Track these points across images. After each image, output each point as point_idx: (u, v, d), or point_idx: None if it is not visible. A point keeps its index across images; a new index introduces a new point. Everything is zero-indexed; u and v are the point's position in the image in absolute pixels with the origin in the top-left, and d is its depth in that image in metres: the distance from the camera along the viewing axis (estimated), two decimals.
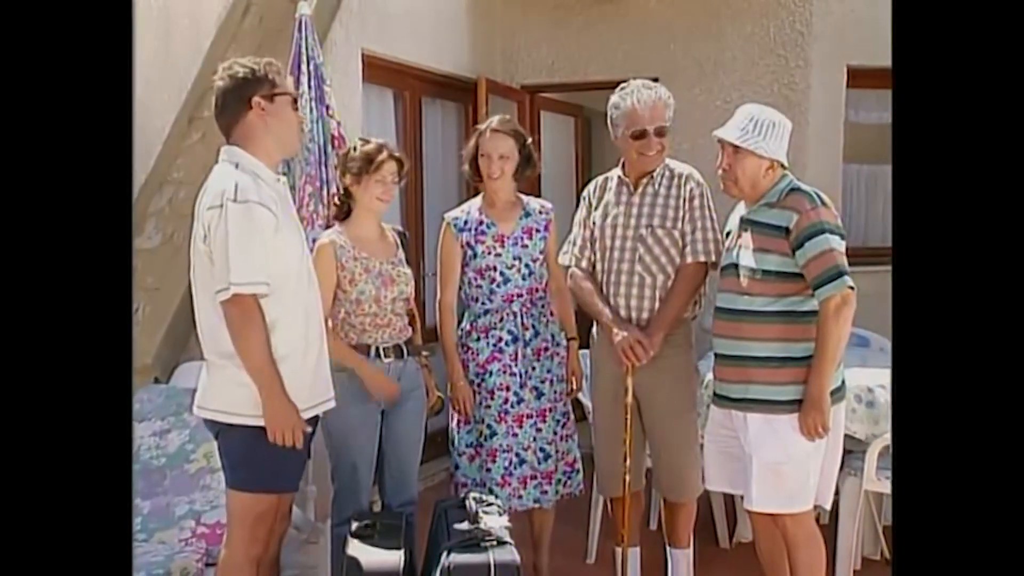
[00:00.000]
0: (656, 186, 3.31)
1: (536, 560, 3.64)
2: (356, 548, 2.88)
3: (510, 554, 2.82)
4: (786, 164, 2.96)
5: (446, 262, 3.55)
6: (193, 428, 3.31)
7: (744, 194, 2.97)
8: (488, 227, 3.50)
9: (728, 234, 3.13)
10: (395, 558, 2.84)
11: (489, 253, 3.47)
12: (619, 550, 3.50)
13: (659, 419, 3.31)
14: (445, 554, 2.82)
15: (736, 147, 2.91)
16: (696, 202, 3.26)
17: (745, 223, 2.98)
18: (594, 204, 3.44)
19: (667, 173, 3.33)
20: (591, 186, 3.51)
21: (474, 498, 3.15)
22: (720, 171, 2.99)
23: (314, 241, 3.58)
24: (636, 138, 3.24)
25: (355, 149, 3.22)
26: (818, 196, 2.88)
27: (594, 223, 3.39)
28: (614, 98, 3.32)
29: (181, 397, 3.41)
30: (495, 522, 2.95)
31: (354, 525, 3.00)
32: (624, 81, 3.38)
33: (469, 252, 3.49)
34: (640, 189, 3.32)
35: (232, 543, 2.69)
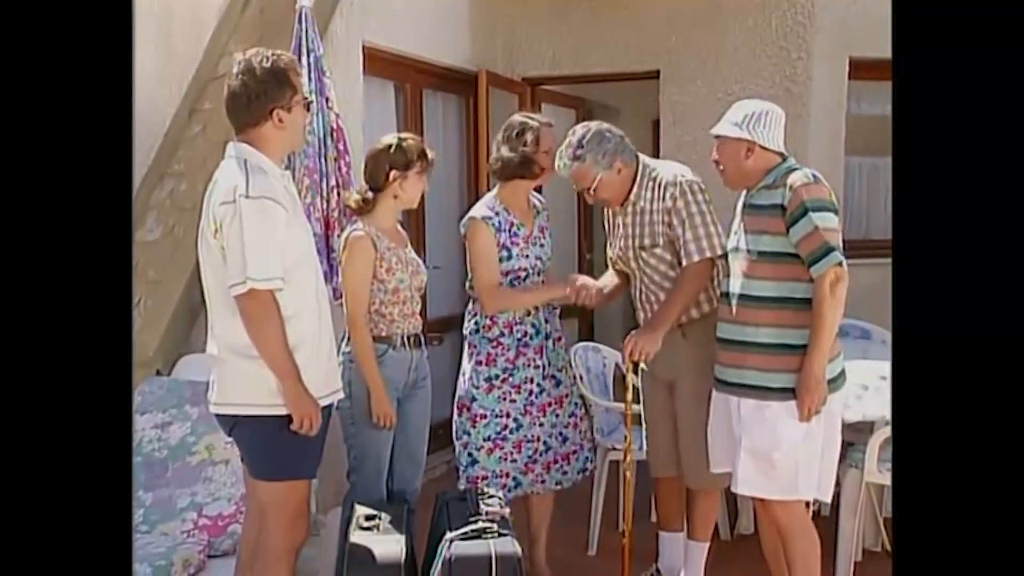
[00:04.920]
0: (642, 202, 3.35)
1: (533, 552, 3.64)
2: (358, 538, 2.90)
3: (511, 545, 2.83)
4: (772, 148, 2.98)
5: (487, 255, 3.44)
6: (195, 420, 3.32)
7: (735, 181, 3.06)
8: (519, 228, 3.50)
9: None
10: (397, 548, 2.85)
11: (521, 255, 3.48)
12: (661, 534, 3.61)
13: (681, 408, 3.36)
14: (447, 545, 2.83)
15: (718, 138, 3.04)
16: (679, 204, 3.25)
17: (745, 207, 3.05)
18: (610, 216, 3.55)
19: (649, 184, 3.34)
20: None
21: (476, 489, 3.17)
22: (714, 164, 3.11)
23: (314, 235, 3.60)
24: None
25: (401, 143, 3.22)
26: (813, 175, 2.91)
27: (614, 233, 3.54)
28: None
29: (183, 389, 3.42)
30: (496, 513, 2.96)
31: (357, 515, 3.01)
32: (624, 74, 3.42)
33: (504, 253, 3.46)
34: (629, 208, 3.38)
35: (272, 533, 2.70)
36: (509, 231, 3.48)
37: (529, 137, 3.43)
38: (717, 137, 3.05)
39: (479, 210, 3.52)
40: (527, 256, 3.48)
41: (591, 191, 3.33)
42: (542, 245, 3.56)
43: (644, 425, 3.57)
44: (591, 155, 3.28)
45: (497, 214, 3.48)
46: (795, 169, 2.94)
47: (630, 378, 3.35)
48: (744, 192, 3.08)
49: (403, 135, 3.31)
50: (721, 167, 3.06)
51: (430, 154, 3.25)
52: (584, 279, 3.53)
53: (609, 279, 3.61)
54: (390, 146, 3.23)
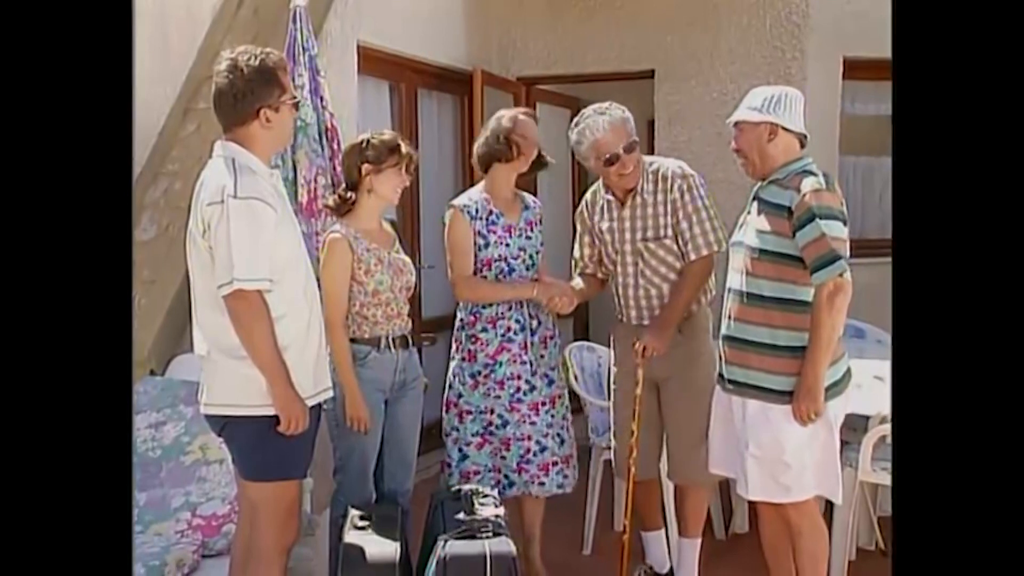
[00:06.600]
0: (644, 195, 3.34)
1: (528, 551, 3.64)
2: (353, 538, 2.89)
3: (506, 545, 2.82)
4: (795, 130, 2.95)
5: (462, 244, 3.45)
6: (189, 420, 3.31)
7: (759, 168, 2.98)
8: (498, 217, 3.49)
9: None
10: (391, 548, 2.85)
11: (500, 243, 3.47)
12: (644, 534, 3.64)
13: (671, 402, 3.37)
14: (441, 545, 2.82)
15: (737, 126, 2.98)
16: (687, 198, 3.28)
17: (754, 200, 3.00)
18: (592, 215, 3.51)
19: (651, 178, 3.34)
20: (587, 197, 3.57)
21: (470, 489, 3.16)
22: (735, 154, 3.04)
23: (317, 234, 3.58)
24: (609, 164, 3.30)
25: (372, 139, 3.21)
26: (825, 179, 2.88)
27: (600, 231, 3.47)
28: (573, 136, 3.37)
29: (177, 389, 3.41)
30: (491, 513, 2.95)
31: (352, 515, 3.00)
32: (619, 74, 3.41)
33: (481, 240, 3.46)
34: (629, 202, 3.37)
35: (263, 533, 2.69)
36: (487, 219, 3.47)
37: (505, 122, 3.45)
38: (736, 125, 2.99)
39: (458, 199, 3.55)
40: (507, 245, 3.47)
41: (623, 154, 3.26)
42: (528, 237, 3.53)
43: (613, 427, 3.54)
44: (625, 115, 3.28)
45: (476, 202, 3.49)
46: (809, 171, 2.89)
47: (640, 376, 3.32)
48: (758, 184, 3.03)
49: (379, 131, 3.28)
50: (743, 156, 2.99)
51: (405, 148, 3.21)
52: (555, 284, 3.48)
53: (578, 283, 3.59)
54: (362, 142, 3.22)
